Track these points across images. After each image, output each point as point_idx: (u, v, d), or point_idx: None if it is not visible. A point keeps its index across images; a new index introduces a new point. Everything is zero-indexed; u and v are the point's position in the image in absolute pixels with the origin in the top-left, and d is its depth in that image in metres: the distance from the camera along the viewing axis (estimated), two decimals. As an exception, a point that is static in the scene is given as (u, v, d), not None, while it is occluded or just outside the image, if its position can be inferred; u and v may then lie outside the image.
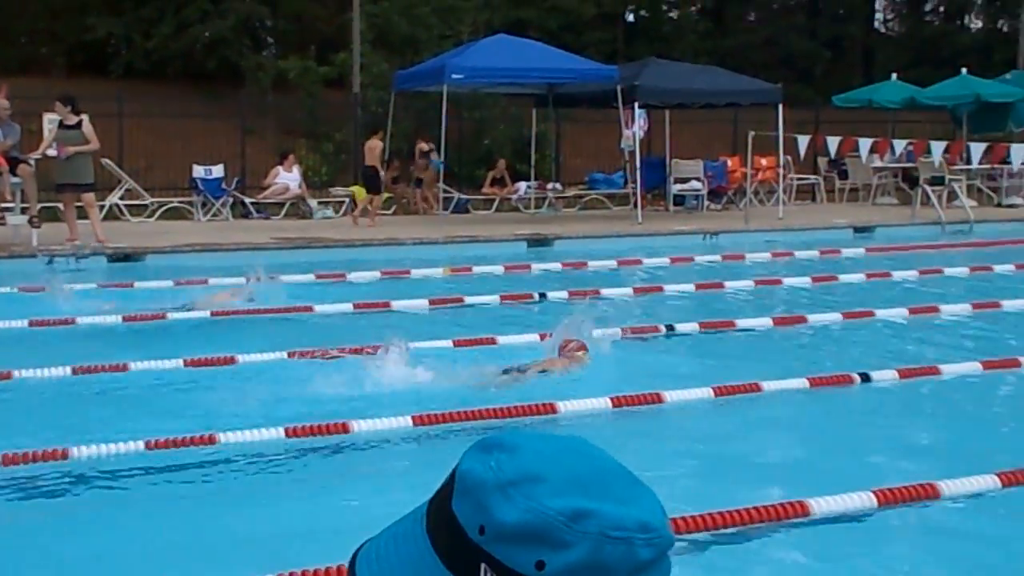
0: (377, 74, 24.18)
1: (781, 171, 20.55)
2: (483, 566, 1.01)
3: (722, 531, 4.80)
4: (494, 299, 11.18)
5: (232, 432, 6.09)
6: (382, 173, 18.35)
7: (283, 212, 19.31)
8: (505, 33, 20.72)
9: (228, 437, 6.06)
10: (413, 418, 6.49)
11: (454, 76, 17.22)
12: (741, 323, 9.83)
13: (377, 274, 12.71)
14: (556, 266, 13.85)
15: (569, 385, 7.45)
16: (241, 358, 8.14)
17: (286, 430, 6.19)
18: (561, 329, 8.02)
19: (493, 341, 9.04)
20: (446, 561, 1.03)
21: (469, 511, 1.02)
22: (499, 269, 13.31)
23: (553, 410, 6.80)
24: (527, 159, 21.43)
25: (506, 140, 24.27)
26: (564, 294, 11.49)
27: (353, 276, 12.54)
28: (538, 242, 15.99)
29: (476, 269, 13.15)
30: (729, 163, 21.91)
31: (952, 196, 19.81)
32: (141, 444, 5.89)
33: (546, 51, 19.03)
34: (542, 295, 11.41)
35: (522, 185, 21.00)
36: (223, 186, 19.11)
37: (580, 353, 7.80)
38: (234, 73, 26.98)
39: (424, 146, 20.02)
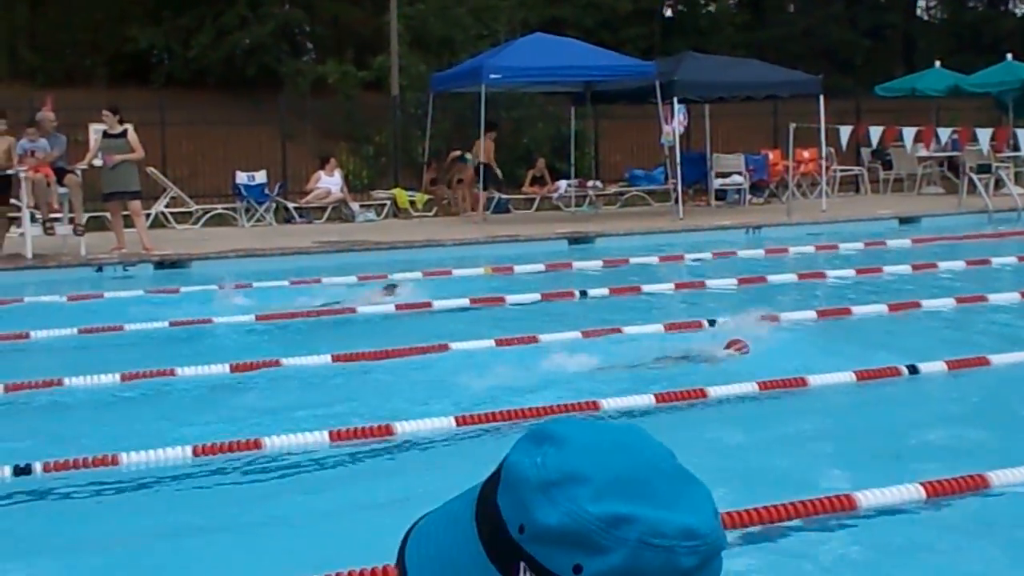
0: (415, 76, 24.25)
1: (823, 163, 20.39)
2: (522, 564, 1.00)
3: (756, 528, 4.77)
4: (535, 297, 11.18)
5: (278, 436, 6.13)
6: (496, 170, 19.31)
7: (325, 216, 19.42)
8: (541, 31, 20.71)
9: (274, 441, 6.10)
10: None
11: (492, 76, 17.23)
12: (785, 316, 9.76)
13: (419, 274, 12.75)
14: (598, 264, 13.82)
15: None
16: (285, 361, 8.20)
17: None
18: (729, 324, 8.79)
19: (535, 339, 9.04)
20: (489, 553, 1.02)
21: (511, 507, 1.01)
22: (540, 268, 13.31)
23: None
24: (566, 157, 21.41)
25: (545, 139, 24.26)
26: (606, 291, 11.49)
27: (397, 276, 12.58)
28: (579, 240, 15.96)
29: (518, 268, 13.15)
30: (770, 156, 21.77)
31: (999, 184, 19.56)
32: (189, 450, 5.95)
33: (583, 48, 19.00)
34: (583, 293, 11.39)
35: (562, 183, 20.98)
36: (266, 191, 19.25)
37: (743, 351, 8.31)
38: (273, 79, 27.15)
39: (455, 153, 20.23)
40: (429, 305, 10.85)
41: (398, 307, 10.67)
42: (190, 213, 19.06)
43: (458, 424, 6.48)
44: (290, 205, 19.53)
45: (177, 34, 28.18)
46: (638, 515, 0.97)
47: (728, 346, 8.43)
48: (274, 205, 19.28)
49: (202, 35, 27.79)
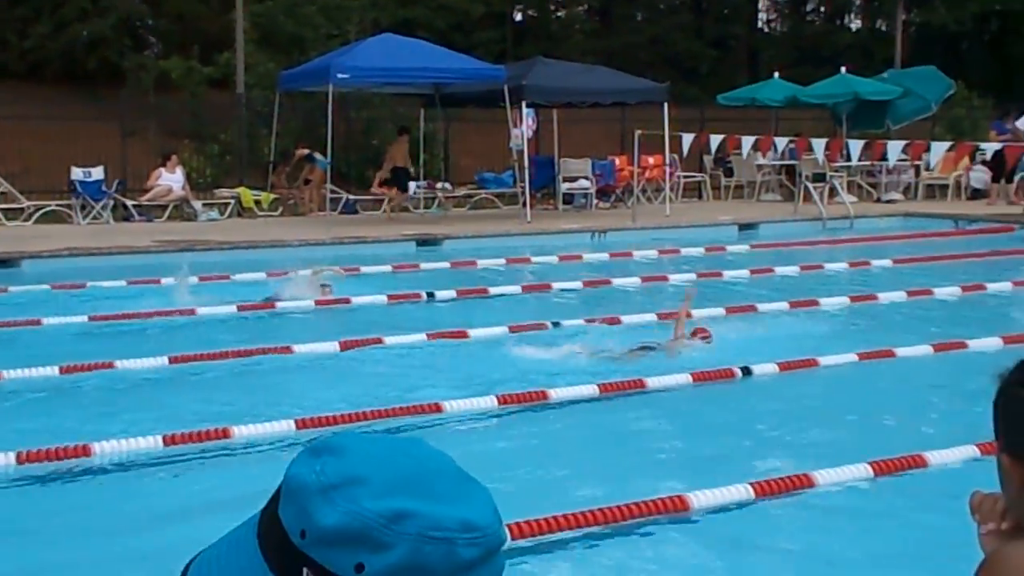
0: (263, 74, 23.85)
1: (668, 169, 20.81)
2: (305, 570, 1.00)
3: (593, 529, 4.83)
4: (381, 299, 11.12)
5: (108, 442, 5.95)
6: (411, 170, 19.75)
7: (166, 215, 18.92)
8: (392, 32, 20.60)
9: (104, 447, 5.92)
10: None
11: (340, 76, 17.04)
12: (627, 319, 9.92)
13: (263, 275, 12.52)
14: (445, 265, 13.82)
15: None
16: (120, 364, 7.97)
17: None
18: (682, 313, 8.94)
19: (380, 341, 8.99)
20: (273, 567, 1.02)
21: (292, 516, 1.01)
22: (387, 269, 13.24)
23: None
24: (416, 159, 21.35)
25: (394, 140, 24.13)
26: (453, 293, 11.50)
27: (238, 277, 12.34)
28: (427, 242, 15.93)
29: (364, 269, 13.04)
30: (617, 162, 22.11)
31: (833, 192, 20.28)
32: (12, 456, 5.71)
33: (433, 50, 18.97)
34: (430, 295, 11.38)
35: (411, 185, 20.90)
36: (103, 188, 18.65)
37: (707, 340, 8.73)
38: (115, 74, 26.34)
39: (303, 151, 20.03)
40: (273, 306, 10.69)
41: (240, 308, 10.47)
42: (22, 210, 18.34)
43: (299, 427, 6.39)
44: (129, 203, 18.96)
45: (12, 24, 27.08)
46: (418, 510, 0.98)
47: (694, 334, 8.80)
48: (112, 202, 18.69)
49: (40, 26, 26.79)
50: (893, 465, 5.50)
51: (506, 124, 18.94)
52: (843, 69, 24.42)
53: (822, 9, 48.78)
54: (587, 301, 11.25)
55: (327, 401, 7.12)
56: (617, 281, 12.46)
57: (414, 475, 1.02)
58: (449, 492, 1.02)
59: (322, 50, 23.59)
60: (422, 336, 9.17)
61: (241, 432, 6.26)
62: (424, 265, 13.66)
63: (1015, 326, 9.29)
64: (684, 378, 7.65)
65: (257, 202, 19.67)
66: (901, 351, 8.44)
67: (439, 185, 21.32)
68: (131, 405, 7.22)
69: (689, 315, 9.03)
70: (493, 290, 11.76)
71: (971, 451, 5.39)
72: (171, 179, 19.25)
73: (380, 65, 17.71)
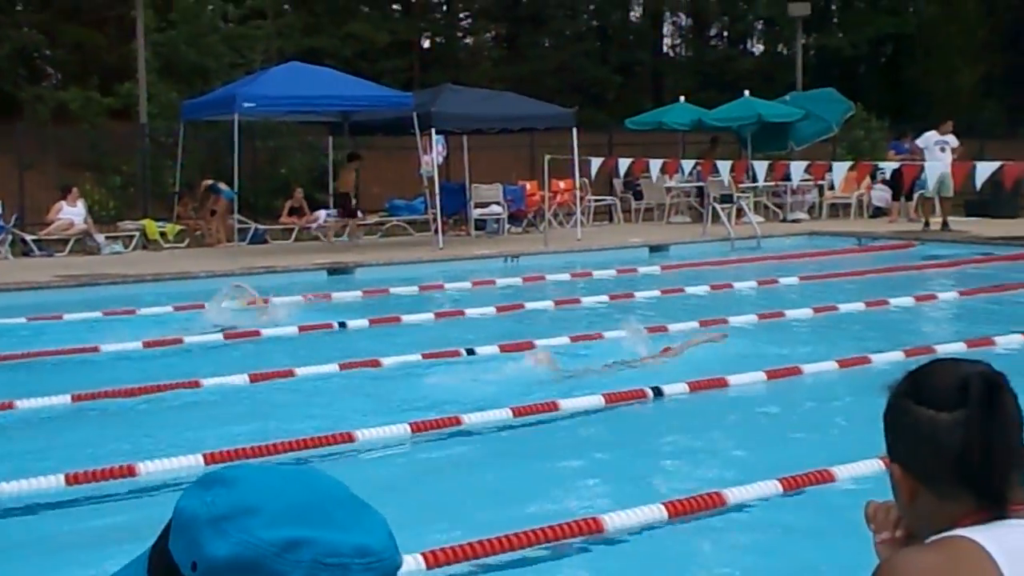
0: (165, 104, 23.50)
1: (578, 193, 20.96)
2: None
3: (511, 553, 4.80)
4: (292, 330, 10.99)
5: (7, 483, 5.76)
6: (353, 200, 19.88)
7: (68, 249, 18.51)
8: (298, 61, 20.48)
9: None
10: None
11: (245, 105, 16.87)
12: (541, 343, 9.92)
13: (170, 308, 12.31)
14: (357, 294, 13.71)
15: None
16: (20, 403, 7.75)
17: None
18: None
19: (291, 374, 8.88)
20: None
21: (183, 548, 0.99)
22: (298, 299, 13.08)
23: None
24: (325, 187, 21.19)
25: (303, 169, 23.98)
26: (365, 322, 11.41)
27: (144, 311, 12.10)
28: (338, 271, 15.81)
29: (274, 299, 12.86)
30: (527, 187, 22.21)
31: (740, 213, 20.59)
32: None
33: (339, 78, 18.89)
34: (342, 324, 11.28)
35: (321, 213, 20.75)
36: (0, 223, 18.20)
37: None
38: (11, 105, 25.79)
39: (207, 183, 19.82)
40: (180, 341, 10.48)
41: (146, 344, 10.25)
42: (-85, 248, 17.82)
43: (207, 462, 6.25)
44: (28, 237, 18.52)
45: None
46: (312, 538, 0.98)
47: (664, 351, 9.29)
48: (10, 237, 18.24)
49: (-70, 55, 26.15)
50: (802, 481, 5.56)
51: (416, 151, 18.92)
52: (746, 92, 24.86)
53: (725, 34, 49.71)
54: (501, 326, 11.24)
55: (237, 435, 7.00)
56: (530, 305, 12.47)
57: (307, 503, 1.01)
58: (343, 519, 1.02)
59: (226, 79, 23.34)
60: (334, 366, 9.07)
61: (147, 468, 6.11)
62: (336, 295, 13.53)
63: (917, 339, 9.48)
64: (597, 400, 7.67)
65: (162, 234, 19.35)
66: (808, 368, 8.56)
67: (349, 213, 21.17)
68: (32, 444, 7.02)
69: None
70: (406, 318, 11.70)
71: (876, 465, 5.46)
72: (72, 212, 18.86)
73: (287, 93, 17.59)
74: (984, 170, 14.95)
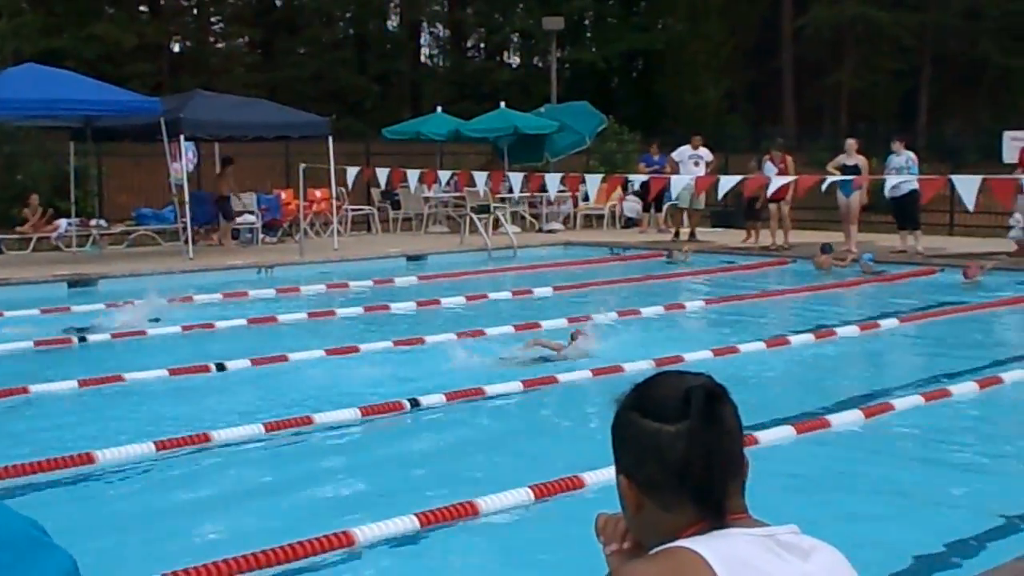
0: None
1: (335, 203, 20.72)
2: None
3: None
4: (27, 345, 10.35)
5: None
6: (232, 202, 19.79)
7: None
8: (37, 63, 19.38)
9: None
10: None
11: (-23, 108, 15.84)
12: (294, 357, 9.71)
13: None
14: (101, 307, 13.05)
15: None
16: None
17: None
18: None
19: (26, 391, 8.35)
20: None
21: None
22: (35, 313, 12.35)
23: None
24: (67, 195, 20.15)
25: (43, 176, 22.71)
26: (107, 336, 10.87)
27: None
28: (80, 283, 15.03)
29: (8, 314, 12.10)
30: (283, 196, 21.81)
31: (497, 223, 20.85)
32: None
33: (81, 82, 17.94)
34: (82, 338, 10.71)
35: (62, 223, 19.72)
36: None
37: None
38: None
39: None
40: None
41: None
42: None
43: None
44: None
45: None
46: None
47: (573, 338, 9.83)
48: None
49: None
50: (553, 488, 5.61)
51: (164, 158, 18.24)
52: (503, 104, 25.23)
53: (482, 46, 50.44)
54: (253, 339, 10.92)
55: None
56: (284, 318, 12.19)
57: None
58: (18, 562, 0.94)
59: (-43, 81, 21.85)
60: (74, 384, 8.58)
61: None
62: (76, 308, 12.83)
63: (665, 348, 9.78)
64: (353, 413, 7.54)
65: None
66: (562, 377, 8.69)
67: (93, 222, 20.21)
68: None
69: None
70: (152, 331, 11.22)
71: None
72: None
73: (23, 97, 16.56)
74: (727, 183, 15.64)
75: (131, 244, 20.24)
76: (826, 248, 16.43)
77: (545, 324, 11.36)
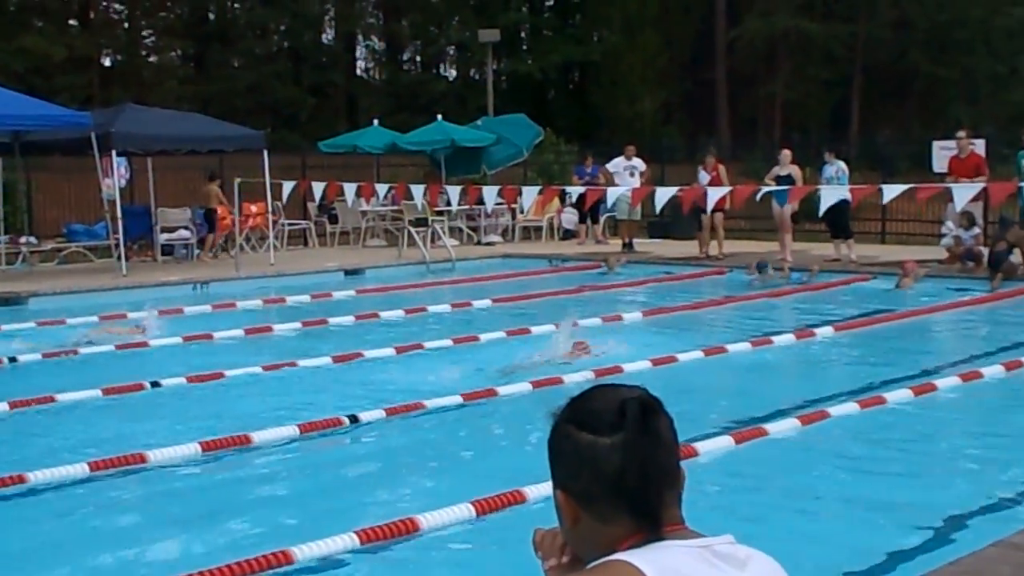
0: None
1: (271, 217, 20.54)
2: None
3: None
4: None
5: None
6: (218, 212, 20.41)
7: None
8: (-38, 76, 19.04)
9: None
10: None
11: None
12: (231, 373, 9.59)
13: None
14: (30, 325, 12.81)
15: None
16: None
17: None
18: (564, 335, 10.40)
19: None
20: None
21: None
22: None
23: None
24: (-8, 212, 19.76)
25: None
26: (38, 356, 10.66)
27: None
28: (9, 301, 14.74)
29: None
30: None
31: (435, 236, 20.79)
32: None
33: (7, 96, 17.55)
34: (12, 359, 10.49)
35: (-10, 239, 19.35)
36: None
37: (587, 352, 10.04)
38: None
39: None
40: None
41: None
42: None
43: None
44: None
45: None
46: None
47: (573, 348, 9.98)
48: None
49: None
50: (495, 503, 5.58)
51: (96, 173, 17.97)
52: (439, 116, 25.19)
53: (418, 58, 50.36)
54: (188, 356, 10.77)
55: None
56: (220, 335, 12.03)
57: None
58: None
59: None
60: (4, 406, 8.39)
61: None
62: (4, 327, 12.56)
63: (606, 361, 9.79)
64: (291, 430, 7.46)
65: None
66: (502, 390, 8.66)
67: (23, 239, 19.84)
68: None
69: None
70: (84, 350, 11.01)
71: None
72: None
73: (-54, 111, 16.22)
74: (664, 194, 15.72)
75: (62, 261, 19.91)
76: (762, 266, 16.48)
77: (483, 337, 11.33)
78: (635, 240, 21.31)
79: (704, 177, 18.84)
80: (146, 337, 11.65)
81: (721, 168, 19.21)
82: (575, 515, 1.71)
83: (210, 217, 20.50)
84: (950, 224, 17.28)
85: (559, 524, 1.78)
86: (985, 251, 15.98)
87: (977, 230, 17.02)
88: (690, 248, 19.92)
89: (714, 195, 15.48)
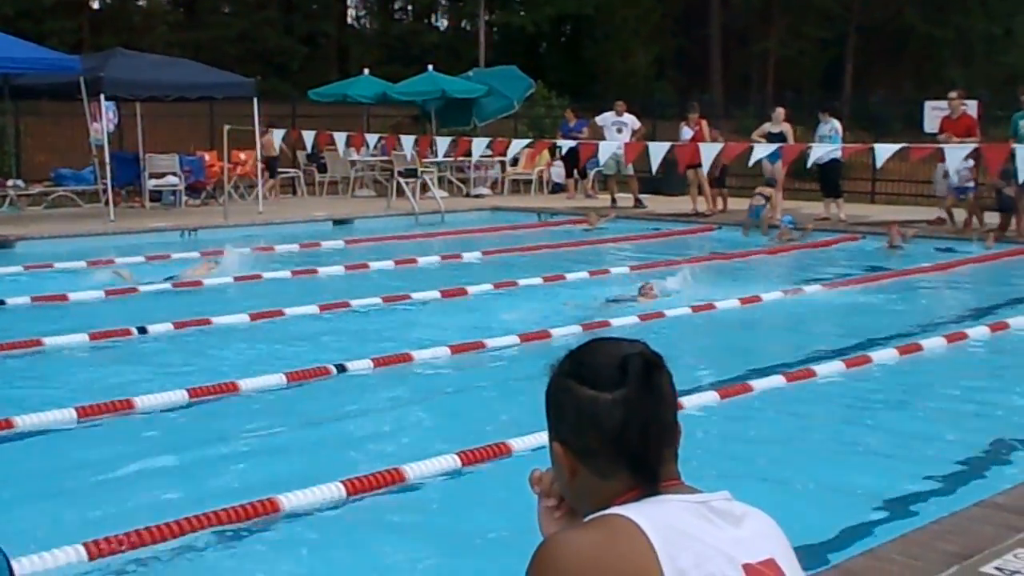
0: None
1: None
2: None
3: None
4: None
5: None
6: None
7: None
8: (-50, 17, 18.83)
9: None
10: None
11: None
12: (218, 320, 9.57)
13: None
14: (18, 269, 12.76)
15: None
16: None
17: None
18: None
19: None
20: None
21: None
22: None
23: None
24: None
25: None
26: (27, 300, 10.62)
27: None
28: (-2, 244, 14.69)
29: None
30: (207, 157, 21.43)
31: (425, 188, 20.70)
32: None
33: (-2, 38, 17.44)
34: (1, 302, 10.46)
35: (-23, 183, 19.21)
36: None
37: (655, 291, 10.87)
38: None
39: None
40: None
41: None
42: None
43: None
44: None
45: None
46: None
47: (641, 292, 10.73)
48: None
49: None
50: (481, 455, 5.60)
51: (84, 118, 17.83)
52: (430, 67, 25.01)
53: (410, 8, 49.92)
54: (177, 303, 10.75)
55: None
56: (209, 282, 12.00)
57: None
58: None
59: None
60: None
61: None
62: (-1, 269, 12.52)
63: (593, 315, 9.81)
64: (279, 379, 7.46)
65: None
66: (491, 342, 8.66)
67: (10, 182, 19.70)
68: None
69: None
70: (73, 296, 10.96)
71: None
72: None
73: (-67, 52, 16.06)
74: (657, 150, 15.63)
75: (50, 205, 19.79)
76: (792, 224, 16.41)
77: (472, 290, 11.32)
78: (639, 196, 20.95)
79: (687, 133, 18.77)
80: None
81: (704, 124, 19.15)
82: (573, 468, 1.71)
83: (270, 165, 21.25)
84: (944, 181, 17.14)
85: (556, 477, 1.77)
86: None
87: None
88: (681, 204, 19.87)
89: (708, 152, 15.40)
